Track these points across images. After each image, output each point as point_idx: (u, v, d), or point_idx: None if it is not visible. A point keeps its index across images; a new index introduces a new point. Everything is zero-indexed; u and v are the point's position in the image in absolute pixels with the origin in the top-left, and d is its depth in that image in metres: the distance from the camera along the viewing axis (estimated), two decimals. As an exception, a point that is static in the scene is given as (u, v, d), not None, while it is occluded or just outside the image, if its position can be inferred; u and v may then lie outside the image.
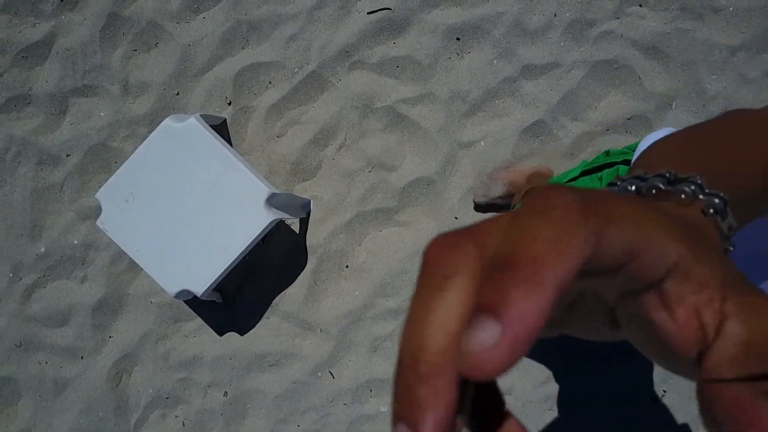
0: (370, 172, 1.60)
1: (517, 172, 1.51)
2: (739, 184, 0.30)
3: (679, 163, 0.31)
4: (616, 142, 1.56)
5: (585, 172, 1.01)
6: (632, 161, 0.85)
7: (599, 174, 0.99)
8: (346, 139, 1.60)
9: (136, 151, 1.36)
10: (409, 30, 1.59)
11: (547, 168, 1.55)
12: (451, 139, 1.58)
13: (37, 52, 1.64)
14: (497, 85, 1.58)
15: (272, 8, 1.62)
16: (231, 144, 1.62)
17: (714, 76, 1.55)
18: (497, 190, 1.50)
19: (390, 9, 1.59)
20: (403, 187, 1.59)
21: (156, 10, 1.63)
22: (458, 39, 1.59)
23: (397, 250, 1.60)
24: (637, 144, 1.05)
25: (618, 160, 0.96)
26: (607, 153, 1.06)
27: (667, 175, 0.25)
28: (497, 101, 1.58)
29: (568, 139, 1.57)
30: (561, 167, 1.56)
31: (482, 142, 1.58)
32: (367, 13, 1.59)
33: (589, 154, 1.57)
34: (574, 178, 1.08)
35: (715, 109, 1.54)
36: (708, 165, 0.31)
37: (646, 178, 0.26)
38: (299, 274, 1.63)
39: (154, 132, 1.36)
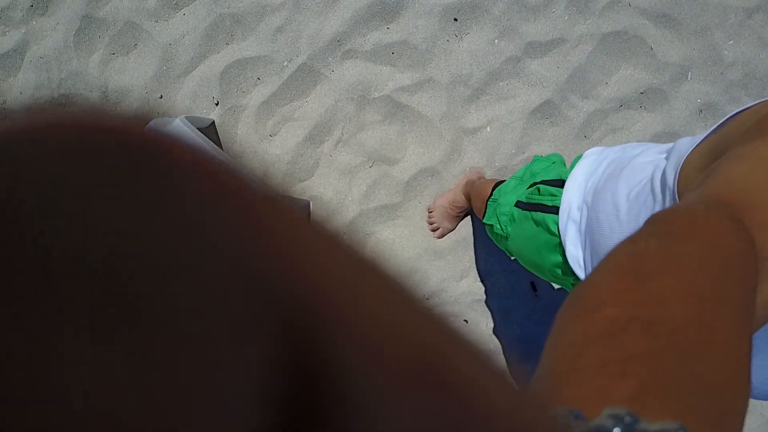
0: (371, 167, 1.50)
1: (451, 192, 1.45)
2: None
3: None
4: (631, 119, 1.47)
5: (524, 205, 0.97)
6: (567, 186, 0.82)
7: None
8: (343, 134, 1.50)
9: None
10: (402, 13, 1.49)
11: (473, 171, 1.47)
12: (455, 127, 1.49)
13: (8, 63, 1.54)
14: (500, 66, 1.48)
15: (256, -1, 1.52)
16: (221, 147, 1.52)
17: (731, 41, 1.45)
18: (450, 224, 1.47)
19: (381, -8, 1.49)
20: (407, 181, 1.49)
21: (132, 9, 1.53)
22: (456, 19, 1.49)
23: (404, 248, 1.51)
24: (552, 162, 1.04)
25: (537, 180, 0.95)
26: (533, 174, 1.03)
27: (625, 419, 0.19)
28: (501, 83, 1.49)
29: (579, 118, 1.47)
30: (572, 150, 1.46)
31: (488, 128, 1.49)
32: (357, -2, 1.50)
33: (602, 134, 1.47)
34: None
35: (734, 77, 1.44)
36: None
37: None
38: (303, 280, 1.54)
39: (136, 138, 1.26)
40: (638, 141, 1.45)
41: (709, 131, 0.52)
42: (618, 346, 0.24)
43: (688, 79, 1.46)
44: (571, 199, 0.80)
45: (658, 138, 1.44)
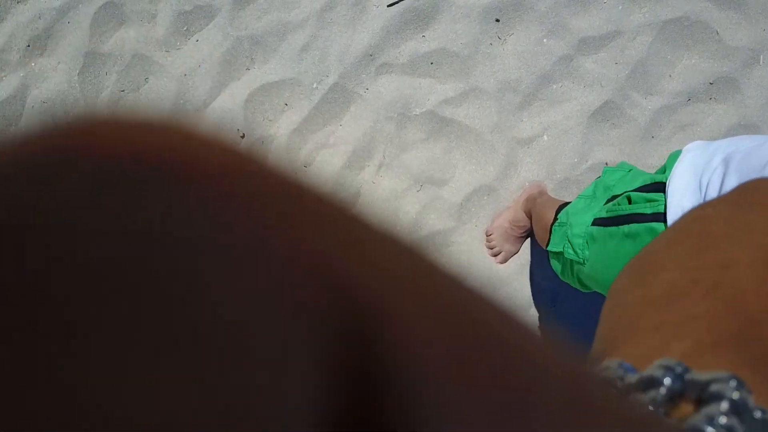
0: (418, 190, 1.36)
1: (510, 211, 1.30)
2: None
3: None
4: (701, 113, 1.33)
5: (601, 221, 0.87)
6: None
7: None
8: (385, 157, 1.36)
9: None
10: (438, 18, 1.36)
11: (533, 185, 1.32)
12: (507, 138, 1.35)
13: (8, 110, 1.40)
14: (551, 67, 1.35)
15: (275, 17, 1.38)
16: (251, 182, 1.38)
17: (806, 18, 1.32)
18: (513, 246, 1.31)
19: (413, -3, 1.35)
20: (461, 202, 1.35)
21: (140, 39, 1.39)
22: (498, 20, 1.35)
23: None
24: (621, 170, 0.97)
25: (619, 193, 0.86)
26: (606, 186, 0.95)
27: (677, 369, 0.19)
28: (555, 86, 1.35)
29: (644, 117, 1.33)
30: (640, 152, 1.33)
31: (545, 136, 1.35)
32: (387, 6, 1.36)
33: (670, 132, 1.34)
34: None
35: (813, 57, 1.31)
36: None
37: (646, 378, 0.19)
38: (353, 320, 1.40)
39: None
40: (711, 137, 1.31)
41: None
42: (677, 309, 0.24)
43: (761, 63, 1.33)
44: (682, 200, 0.72)
45: (734, 131, 1.31)
